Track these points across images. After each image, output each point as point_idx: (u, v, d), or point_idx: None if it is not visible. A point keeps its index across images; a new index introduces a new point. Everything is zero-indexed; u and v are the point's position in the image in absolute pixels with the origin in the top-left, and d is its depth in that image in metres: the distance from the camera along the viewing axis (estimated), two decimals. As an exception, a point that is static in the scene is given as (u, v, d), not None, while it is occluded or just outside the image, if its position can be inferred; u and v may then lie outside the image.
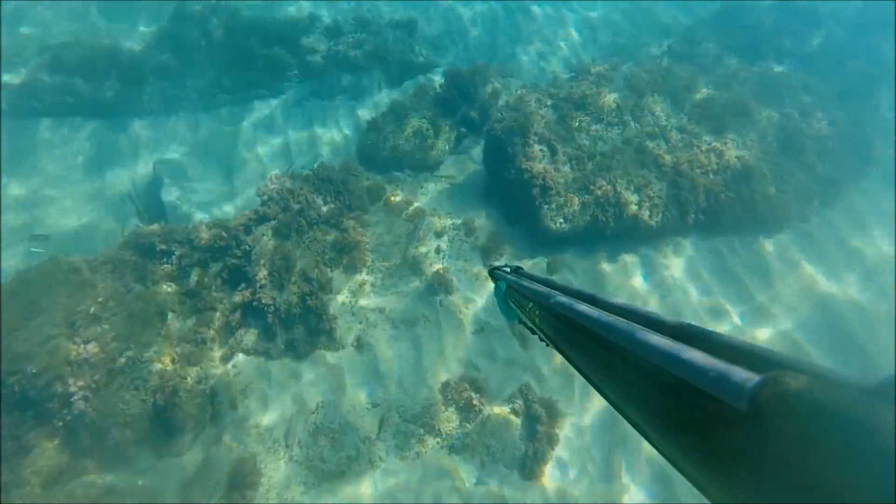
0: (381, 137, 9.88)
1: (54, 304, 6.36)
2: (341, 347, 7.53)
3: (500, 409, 7.17)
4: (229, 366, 7.28)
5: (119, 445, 6.38)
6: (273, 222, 7.70)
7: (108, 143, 10.61)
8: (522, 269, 1.47)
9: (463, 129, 10.42)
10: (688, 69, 10.35)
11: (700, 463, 0.54)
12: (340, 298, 7.80)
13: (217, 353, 7.33)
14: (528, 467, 6.76)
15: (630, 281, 8.34)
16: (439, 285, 8.02)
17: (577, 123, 8.91)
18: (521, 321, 1.33)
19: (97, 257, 7.11)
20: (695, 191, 8.42)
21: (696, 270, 8.41)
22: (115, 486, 6.17)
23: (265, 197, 7.94)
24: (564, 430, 7.11)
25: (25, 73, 10.67)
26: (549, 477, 6.80)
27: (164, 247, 7.50)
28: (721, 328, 7.73)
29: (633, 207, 8.30)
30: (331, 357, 7.46)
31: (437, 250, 8.42)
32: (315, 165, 8.90)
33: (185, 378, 6.90)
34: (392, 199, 9.01)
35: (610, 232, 8.32)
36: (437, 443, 6.92)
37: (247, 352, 7.36)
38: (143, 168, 10.33)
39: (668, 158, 8.61)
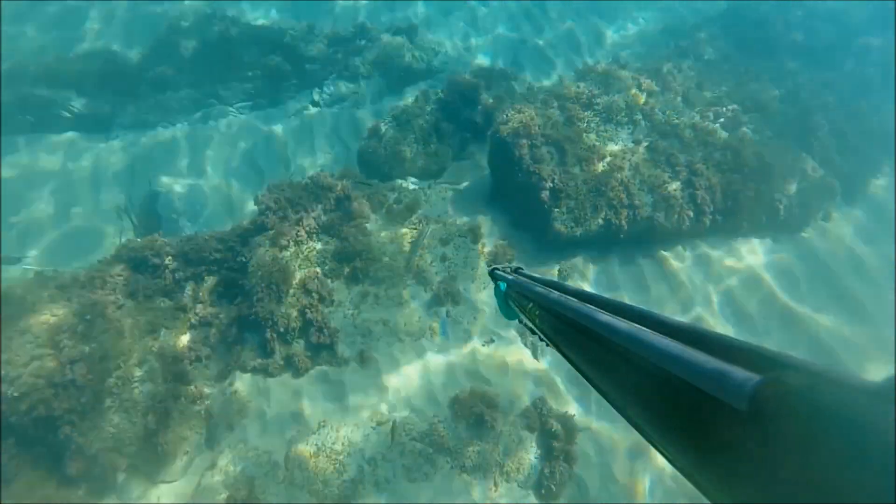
0: (383, 144, 9.57)
1: (39, 323, 6.01)
2: (343, 363, 7.13)
3: (513, 425, 6.73)
4: (225, 384, 6.90)
5: (108, 472, 5.98)
6: (271, 232, 7.35)
7: (103, 156, 10.35)
8: (522, 268, 1.46)
9: (466, 135, 10.10)
10: (697, 67, 10.00)
11: (700, 463, 0.53)
12: (342, 311, 7.42)
13: (213, 370, 6.95)
14: (545, 487, 6.31)
15: (646, 286, 7.93)
16: (445, 295, 7.64)
17: (585, 124, 8.57)
18: (521, 321, 1.31)
19: (86, 272, 6.78)
20: (712, 190, 8.03)
21: (717, 274, 7.98)
22: (104, 516, 5.78)
23: (262, 206, 7.61)
24: (582, 447, 6.66)
25: (19, 87, 10.46)
26: (568, 498, 6.34)
27: (156, 260, 7.17)
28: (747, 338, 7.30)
29: (648, 209, 7.91)
30: (332, 373, 7.06)
31: (443, 258, 8.04)
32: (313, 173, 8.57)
33: (179, 398, 6.51)
34: (394, 206, 8.66)
35: (624, 235, 7.92)
36: (448, 462, 6.48)
37: (244, 369, 6.97)
38: (139, 181, 10.05)
39: (681, 157, 8.23)
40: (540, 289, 1.12)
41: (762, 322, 7.56)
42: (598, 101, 8.74)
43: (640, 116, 8.77)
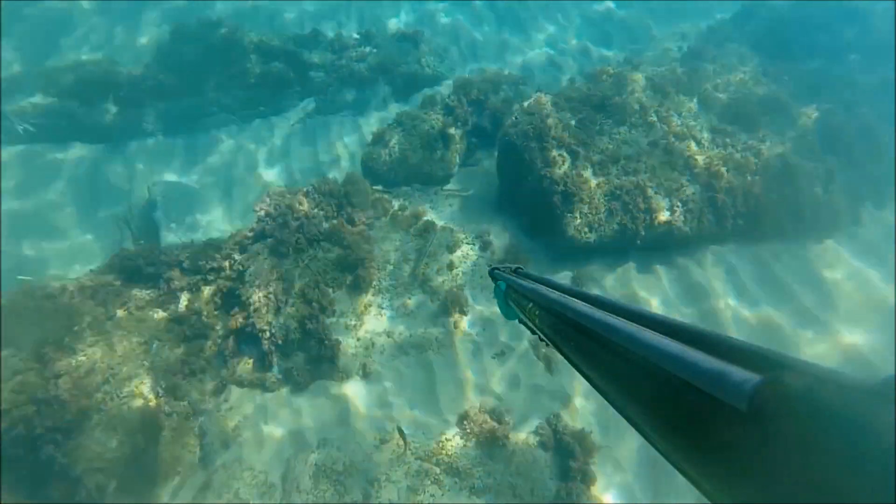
0: (388, 150, 9.26)
1: (24, 336, 5.69)
2: (346, 376, 6.74)
3: (525, 443, 6.30)
4: (221, 399, 6.52)
5: (94, 494, 5.59)
6: (269, 240, 7.03)
7: (103, 166, 10.13)
8: (522, 268, 1.45)
9: (474, 140, 9.79)
10: (712, 68, 9.66)
11: (700, 463, 0.53)
12: (344, 321, 7.05)
13: (208, 385, 6.59)
14: (562, 511, 5.85)
15: (664, 293, 7.50)
16: (453, 305, 7.25)
17: (598, 126, 8.22)
18: (521, 321, 1.30)
19: (77, 282, 6.48)
20: (732, 193, 7.62)
21: (738, 281, 7.54)
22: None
23: (262, 213, 7.30)
24: (601, 466, 6.20)
25: (21, 98, 10.30)
26: (587, 522, 5.88)
27: (151, 269, 6.86)
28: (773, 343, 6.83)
29: (665, 213, 7.52)
30: (334, 387, 6.67)
31: (450, 266, 7.67)
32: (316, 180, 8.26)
33: (171, 415, 6.15)
34: (399, 213, 8.33)
35: (640, 241, 7.52)
36: (455, 483, 6.04)
37: (240, 383, 6.61)
38: (140, 191, 9.81)
39: (700, 160, 7.85)
40: (539, 288, 1.12)
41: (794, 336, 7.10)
42: (611, 102, 8.39)
43: (654, 118, 8.41)
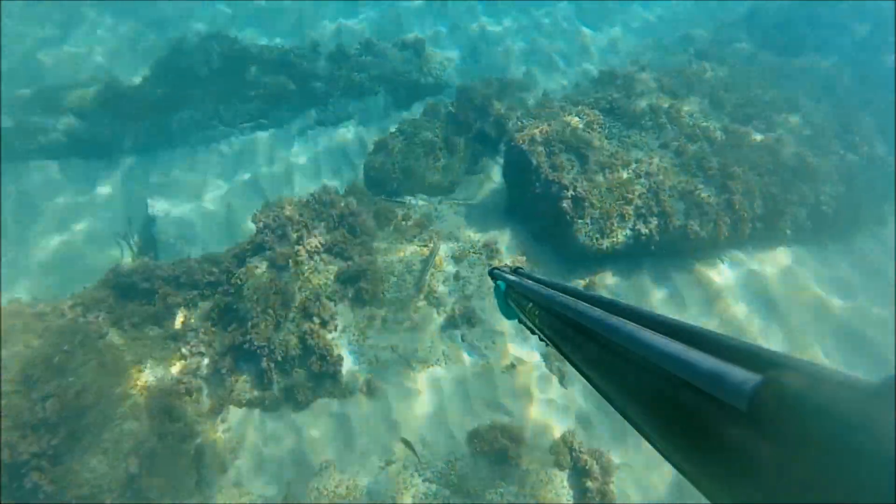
0: (390, 159, 9.03)
1: (10, 356, 5.42)
2: (349, 394, 6.42)
3: (540, 462, 5.93)
4: (218, 420, 6.22)
5: (83, 524, 5.28)
6: (268, 252, 6.77)
7: (103, 181, 9.96)
8: (522, 268, 1.43)
9: (478, 147, 9.54)
10: (722, 69, 9.39)
11: (700, 462, 0.53)
12: (347, 336, 6.75)
13: (204, 405, 6.28)
14: (581, 536, 5.46)
15: (681, 301, 7.15)
16: (460, 317, 6.94)
17: (607, 130, 7.95)
18: (520, 321, 1.29)
19: (69, 299, 6.23)
20: (750, 195, 7.30)
21: (760, 287, 7.18)
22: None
23: (261, 225, 7.05)
24: (621, 486, 5.82)
25: (21, 114, 10.19)
26: (608, 548, 5.49)
27: (146, 285, 6.61)
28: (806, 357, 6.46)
29: (680, 217, 7.20)
30: (336, 405, 6.35)
31: (457, 277, 7.37)
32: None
33: (166, 437, 5.84)
34: (403, 223, 8.06)
35: (655, 247, 7.20)
36: (467, 506, 5.68)
37: (238, 403, 6.30)
38: (139, 206, 9.61)
39: (714, 161, 7.54)
40: (539, 288, 1.12)
41: (818, 341, 6.72)
42: (620, 105, 8.13)
43: (665, 120, 8.13)
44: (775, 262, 7.45)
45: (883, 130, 8.22)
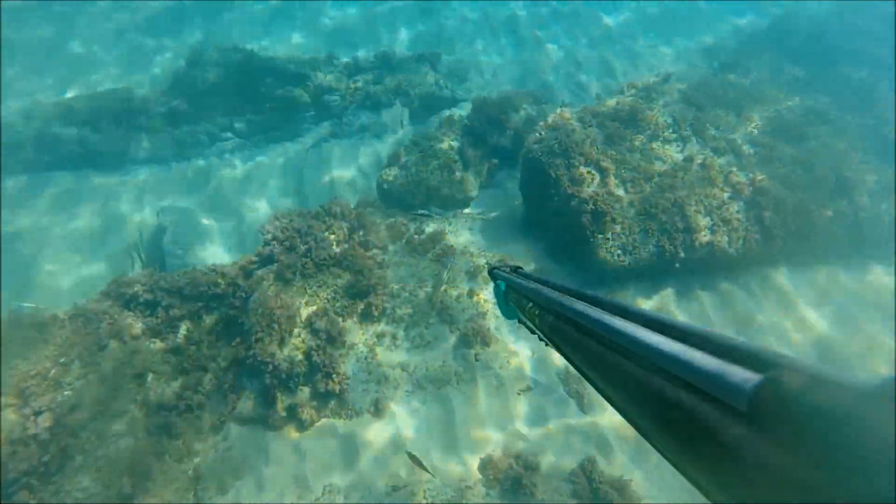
0: (404, 172, 8.81)
1: (6, 368, 5.23)
2: (355, 414, 6.11)
3: (556, 492, 5.53)
4: (219, 438, 5.94)
5: (73, 547, 5.01)
6: (275, 265, 6.54)
7: (115, 193, 9.91)
8: (522, 268, 1.42)
9: (495, 161, 9.29)
10: (749, 81, 9.06)
11: (700, 462, 0.52)
12: (354, 353, 6.46)
13: (205, 422, 6.01)
14: (602, 576, 5.04)
15: (708, 322, 6.74)
16: (474, 336, 6.61)
17: (628, 142, 7.65)
18: (520, 321, 1.29)
19: (69, 310, 6.05)
20: (782, 210, 6.91)
21: (791, 307, 6.75)
22: None
23: (268, 236, 6.84)
24: (645, 521, 5.39)
25: (38, 126, 10.23)
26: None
27: (149, 296, 6.42)
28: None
29: (706, 233, 6.83)
30: (342, 426, 6.04)
31: (470, 294, 7.06)
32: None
33: (163, 455, 5.58)
34: (416, 237, 7.80)
35: (679, 264, 6.83)
36: (478, 540, 5.29)
37: (241, 421, 6.02)
38: (150, 217, 9.52)
39: (741, 175, 7.18)
40: (539, 288, 1.10)
41: (858, 364, 6.25)
42: (641, 116, 7.83)
43: (689, 132, 7.81)
44: (810, 281, 7.01)
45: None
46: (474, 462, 5.74)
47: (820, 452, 0.37)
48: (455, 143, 9.06)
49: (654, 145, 7.68)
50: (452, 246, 7.68)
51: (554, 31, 12.62)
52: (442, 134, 9.30)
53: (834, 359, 6.34)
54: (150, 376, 5.96)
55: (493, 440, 5.90)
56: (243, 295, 6.40)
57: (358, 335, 6.58)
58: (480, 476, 5.66)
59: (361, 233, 7.20)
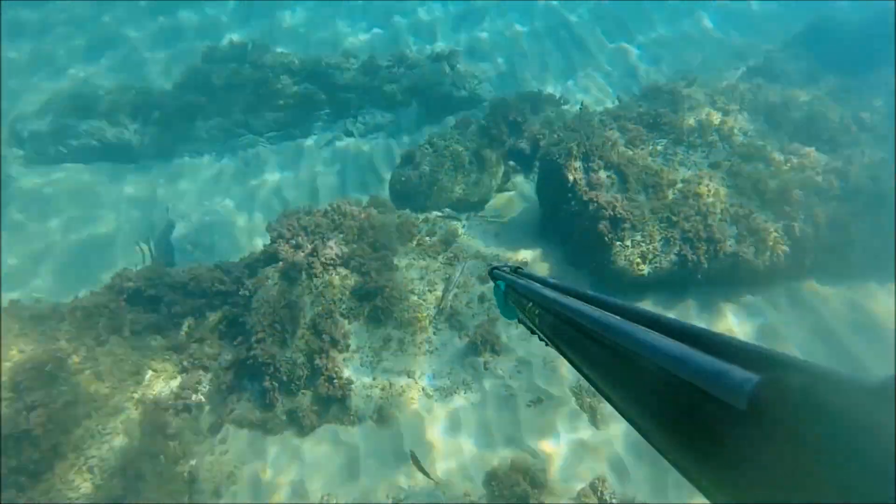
0: (418, 172, 8.60)
1: (3, 362, 5.11)
2: (357, 420, 5.88)
3: (565, 512, 5.23)
4: (216, 441, 5.75)
5: (61, 548, 4.86)
6: (280, 263, 6.36)
7: (129, 185, 9.87)
8: (522, 268, 1.39)
9: (511, 163, 9.03)
10: (779, 85, 8.67)
11: (700, 462, 0.52)
12: (358, 358, 6.23)
13: (203, 423, 5.84)
14: None
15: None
16: (484, 343, 6.35)
17: (650, 146, 7.33)
18: (520, 321, 1.28)
19: (70, 304, 5.93)
20: (813, 221, 6.53)
21: (823, 326, 6.36)
22: None
23: (275, 234, 6.68)
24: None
25: (52, 119, 10.25)
26: None
27: (152, 292, 6.28)
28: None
29: (731, 243, 6.48)
30: (343, 432, 5.82)
31: (482, 299, 6.80)
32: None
33: (157, 456, 5.40)
34: (427, 239, 7.57)
35: (702, 275, 6.49)
36: (481, 559, 5.02)
37: (238, 423, 5.83)
38: (160, 212, 9.45)
39: (772, 183, 6.82)
40: (539, 288, 1.10)
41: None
42: (666, 120, 7.51)
43: (715, 138, 7.47)
44: (844, 298, 6.61)
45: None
46: (479, 476, 5.47)
47: (820, 452, 0.37)
48: (471, 144, 8.82)
49: (679, 150, 7.35)
50: (464, 249, 7.43)
51: (576, 32, 12.33)
52: (458, 134, 9.07)
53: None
54: (148, 373, 5.81)
55: (500, 453, 5.62)
56: (247, 293, 6.22)
57: (363, 338, 6.36)
58: (486, 491, 5.38)
59: (371, 233, 6.98)
